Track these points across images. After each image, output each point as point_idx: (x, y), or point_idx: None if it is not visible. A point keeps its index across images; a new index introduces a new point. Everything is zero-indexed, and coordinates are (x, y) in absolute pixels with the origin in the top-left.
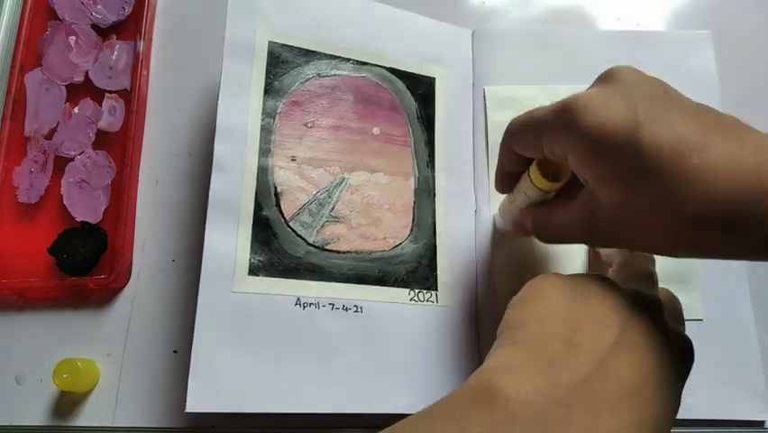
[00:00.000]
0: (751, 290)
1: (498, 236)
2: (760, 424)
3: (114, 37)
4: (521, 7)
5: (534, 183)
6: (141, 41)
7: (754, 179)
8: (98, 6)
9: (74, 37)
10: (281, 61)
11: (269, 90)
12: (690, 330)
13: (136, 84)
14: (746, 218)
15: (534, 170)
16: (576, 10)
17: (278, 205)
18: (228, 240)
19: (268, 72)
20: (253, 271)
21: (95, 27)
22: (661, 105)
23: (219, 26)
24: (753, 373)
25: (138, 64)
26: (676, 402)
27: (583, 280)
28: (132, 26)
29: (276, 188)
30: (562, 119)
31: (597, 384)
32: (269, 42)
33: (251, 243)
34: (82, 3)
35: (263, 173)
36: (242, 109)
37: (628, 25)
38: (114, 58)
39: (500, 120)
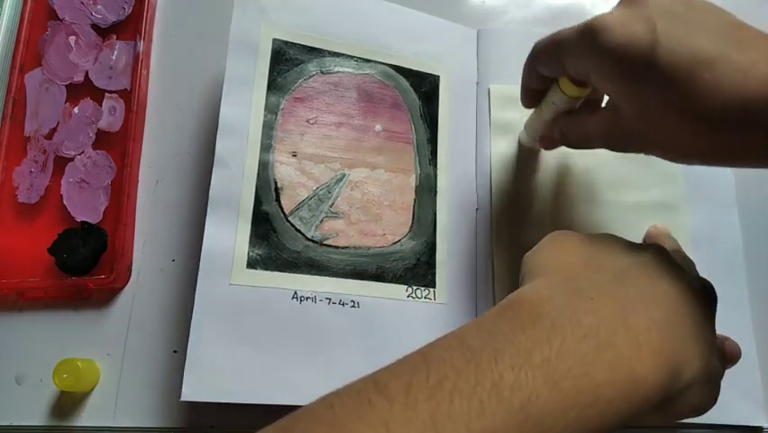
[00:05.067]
0: (749, 295)
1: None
2: (758, 430)
3: (114, 37)
4: (521, 7)
5: (563, 91)
6: (141, 41)
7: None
8: (98, 6)
9: (74, 37)
10: (285, 58)
11: (271, 86)
12: None
13: (136, 84)
14: (756, 128)
15: (563, 80)
16: (576, 10)
17: (277, 200)
18: (227, 234)
19: (271, 69)
20: (251, 264)
21: (95, 27)
22: (680, 21)
23: (219, 26)
24: (750, 379)
25: (138, 64)
26: (704, 334)
27: (597, 233)
28: (132, 26)
29: (276, 183)
30: (584, 40)
31: (617, 287)
32: (274, 39)
33: (251, 237)
34: (82, 3)
35: (264, 168)
36: (244, 105)
37: None
38: (114, 58)
39: (504, 119)
